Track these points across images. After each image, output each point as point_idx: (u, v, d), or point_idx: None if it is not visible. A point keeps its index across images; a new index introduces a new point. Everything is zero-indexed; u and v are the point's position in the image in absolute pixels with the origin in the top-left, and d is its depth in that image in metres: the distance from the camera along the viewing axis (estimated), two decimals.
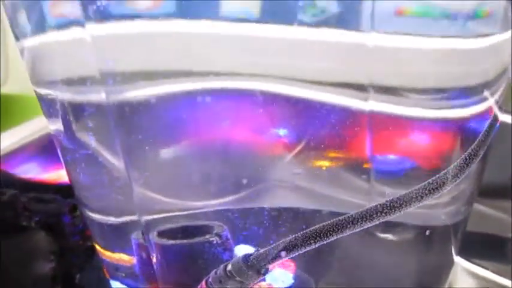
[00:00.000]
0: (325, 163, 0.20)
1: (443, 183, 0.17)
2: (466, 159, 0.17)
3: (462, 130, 0.20)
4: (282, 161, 0.19)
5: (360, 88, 0.18)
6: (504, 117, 0.28)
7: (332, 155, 0.19)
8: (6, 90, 0.35)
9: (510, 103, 0.27)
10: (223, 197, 0.20)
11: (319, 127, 0.19)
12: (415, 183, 0.19)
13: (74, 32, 0.17)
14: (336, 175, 0.20)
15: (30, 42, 0.20)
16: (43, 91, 0.20)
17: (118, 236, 0.22)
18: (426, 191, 0.17)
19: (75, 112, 0.20)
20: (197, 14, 0.17)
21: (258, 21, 0.17)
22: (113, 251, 0.23)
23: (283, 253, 0.17)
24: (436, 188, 0.17)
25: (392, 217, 0.17)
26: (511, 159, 0.29)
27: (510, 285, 0.27)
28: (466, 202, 0.22)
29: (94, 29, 0.17)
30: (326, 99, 0.18)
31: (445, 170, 0.17)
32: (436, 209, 0.21)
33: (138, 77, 0.18)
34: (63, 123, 0.20)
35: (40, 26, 0.19)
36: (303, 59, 0.18)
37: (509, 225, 0.28)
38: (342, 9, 0.17)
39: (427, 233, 0.21)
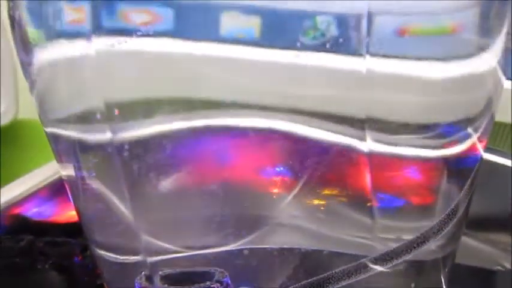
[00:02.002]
0: (325, 202, 0.20)
1: (428, 238, 0.18)
2: (448, 215, 0.18)
3: (450, 167, 0.20)
4: (283, 201, 0.20)
5: (357, 125, 0.18)
6: (489, 156, 0.29)
7: (332, 194, 0.20)
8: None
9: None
10: (226, 239, 0.20)
11: (319, 166, 0.19)
12: (411, 219, 0.20)
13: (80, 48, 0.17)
14: (337, 214, 0.20)
15: (38, 78, 0.20)
16: (51, 131, 0.21)
17: (125, 275, 0.22)
18: (414, 245, 0.18)
19: (82, 155, 0.20)
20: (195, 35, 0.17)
21: (257, 43, 0.17)
22: None
23: None
24: (423, 242, 0.18)
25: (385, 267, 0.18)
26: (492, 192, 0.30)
27: None
28: (455, 235, 0.23)
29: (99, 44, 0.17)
30: (325, 137, 0.18)
31: (429, 227, 0.18)
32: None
33: (140, 108, 0.18)
34: (72, 166, 0.21)
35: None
36: (301, 85, 0.18)
37: (498, 258, 0.30)
38: (343, 32, 0.16)
39: (415, 267, 0.22)
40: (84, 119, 0.19)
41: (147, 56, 0.17)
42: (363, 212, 0.20)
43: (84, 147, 0.20)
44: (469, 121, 0.20)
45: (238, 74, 0.17)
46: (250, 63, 0.17)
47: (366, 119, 0.18)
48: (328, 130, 0.18)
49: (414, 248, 0.18)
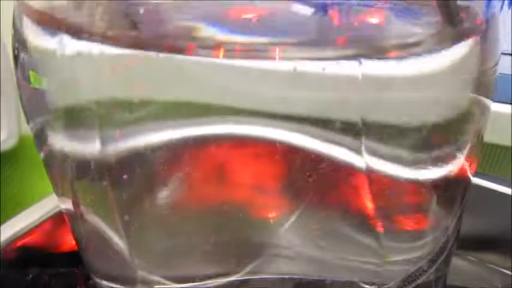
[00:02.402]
0: (325, 226, 0.20)
1: (421, 273, 0.19)
2: (437, 253, 0.19)
3: (439, 189, 0.21)
4: (283, 227, 0.20)
5: (352, 133, 0.18)
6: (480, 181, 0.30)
7: (332, 217, 0.20)
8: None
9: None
10: (224, 269, 0.20)
11: (319, 186, 0.19)
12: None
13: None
14: (338, 238, 0.20)
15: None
16: (47, 160, 0.21)
17: None
18: (408, 281, 0.19)
19: (77, 184, 0.21)
20: None
21: None
22: None
23: None
24: (416, 278, 0.19)
25: None
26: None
27: None
28: (446, 257, 0.23)
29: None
30: (321, 150, 0.18)
31: (421, 264, 0.19)
32: (419, 263, 0.22)
33: (131, 114, 0.17)
34: (68, 199, 0.21)
35: None
36: (298, 90, 0.17)
37: (491, 280, 0.30)
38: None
39: None
40: (75, 133, 0.19)
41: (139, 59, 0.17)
42: (365, 235, 0.20)
43: (78, 172, 0.20)
44: (457, 144, 0.20)
45: (233, 79, 0.17)
46: (245, 69, 0.17)
47: (361, 125, 0.18)
48: (323, 139, 0.18)
49: (412, 281, 0.19)
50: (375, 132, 0.18)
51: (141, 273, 0.20)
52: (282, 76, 0.17)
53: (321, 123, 0.17)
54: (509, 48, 0.34)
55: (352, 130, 0.18)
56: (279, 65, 0.17)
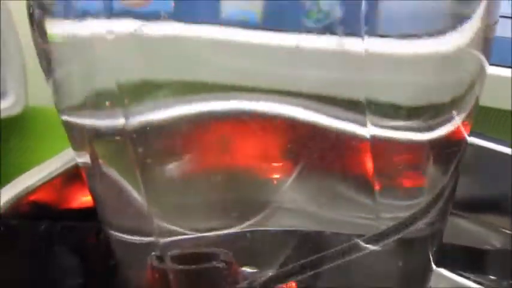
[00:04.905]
0: (326, 185, 0.21)
1: (417, 218, 0.19)
2: (435, 197, 0.20)
3: (438, 149, 0.21)
4: (284, 185, 0.21)
5: (357, 110, 0.18)
6: (480, 142, 0.31)
7: (335, 177, 0.20)
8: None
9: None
10: (230, 222, 0.21)
11: (320, 151, 0.20)
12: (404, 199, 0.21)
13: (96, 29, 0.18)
14: (338, 196, 0.21)
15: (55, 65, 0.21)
16: (67, 119, 0.22)
17: (136, 255, 0.24)
18: (402, 226, 0.20)
19: (97, 142, 0.21)
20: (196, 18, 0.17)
21: (259, 26, 0.17)
22: (132, 269, 0.25)
23: (283, 279, 0.20)
24: (411, 223, 0.20)
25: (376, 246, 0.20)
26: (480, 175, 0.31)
27: None
28: (442, 214, 0.23)
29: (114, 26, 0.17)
30: (327, 122, 0.18)
31: (416, 210, 0.19)
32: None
33: (149, 91, 0.18)
34: (87, 153, 0.22)
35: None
36: (303, 68, 0.18)
37: (488, 238, 0.31)
38: (346, 14, 0.16)
39: (404, 245, 0.23)
40: (98, 104, 0.19)
41: (156, 40, 0.17)
42: (362, 193, 0.21)
43: (98, 133, 0.21)
44: (454, 103, 0.20)
45: (241, 58, 0.18)
46: (253, 46, 0.17)
47: (365, 102, 0.18)
48: (329, 115, 0.18)
49: (404, 227, 0.19)
50: (378, 108, 0.18)
51: (156, 224, 0.21)
52: (286, 54, 0.17)
53: (323, 100, 0.18)
54: (510, 12, 0.34)
55: (355, 105, 0.18)
56: (283, 41, 0.17)
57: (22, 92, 0.33)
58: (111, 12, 0.17)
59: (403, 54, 0.18)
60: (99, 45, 0.18)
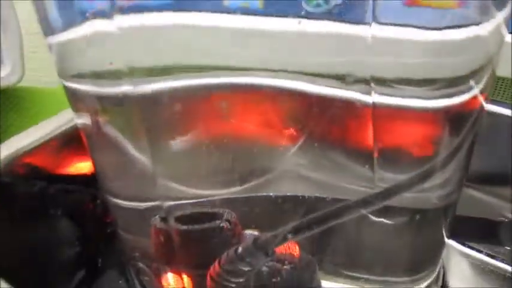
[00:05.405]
0: (329, 153, 0.21)
1: (433, 171, 0.19)
2: (453, 151, 0.19)
3: (451, 119, 0.21)
4: (288, 151, 0.21)
5: (362, 81, 0.18)
6: (496, 108, 0.30)
7: (336, 145, 0.21)
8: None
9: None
10: (235, 184, 0.21)
11: (324, 118, 0.20)
12: (412, 169, 0.20)
13: (102, 25, 0.18)
14: (340, 164, 0.21)
15: (59, 37, 0.20)
16: (71, 85, 0.21)
17: (141, 221, 0.23)
18: (418, 179, 0.19)
19: (102, 105, 0.21)
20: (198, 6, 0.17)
21: (261, 12, 0.17)
22: (135, 235, 0.24)
23: (288, 236, 0.19)
24: (427, 176, 0.19)
25: (388, 202, 0.19)
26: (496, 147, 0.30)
27: (503, 267, 0.28)
28: (455, 186, 0.23)
29: (122, 22, 0.18)
30: (331, 92, 0.19)
31: (433, 162, 0.19)
32: (428, 192, 0.22)
33: (158, 72, 0.19)
34: (90, 116, 0.21)
35: (70, 21, 0.19)
36: (304, 52, 0.18)
37: (501, 209, 0.30)
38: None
39: (417, 217, 0.23)
40: (105, 75, 0.19)
41: (160, 28, 0.18)
42: (365, 162, 0.20)
43: (104, 99, 0.20)
44: (470, 76, 0.20)
45: (246, 44, 0.18)
46: (256, 32, 0.17)
47: (370, 79, 0.18)
48: (333, 86, 0.19)
49: (415, 183, 0.18)
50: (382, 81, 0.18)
51: (160, 187, 0.21)
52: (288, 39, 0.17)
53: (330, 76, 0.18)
54: None
55: (360, 80, 0.18)
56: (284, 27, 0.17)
57: (19, 61, 0.32)
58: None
59: (413, 39, 0.18)
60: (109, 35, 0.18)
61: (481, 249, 0.29)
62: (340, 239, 0.23)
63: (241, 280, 0.20)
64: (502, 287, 0.27)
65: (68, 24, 0.19)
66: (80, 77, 0.21)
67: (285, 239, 0.19)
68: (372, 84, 0.18)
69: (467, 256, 0.29)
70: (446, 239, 0.26)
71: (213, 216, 0.21)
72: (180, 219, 0.21)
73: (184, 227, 0.21)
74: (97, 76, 0.20)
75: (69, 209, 0.24)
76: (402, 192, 0.19)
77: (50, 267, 0.23)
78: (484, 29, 0.19)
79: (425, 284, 0.26)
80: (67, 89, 0.22)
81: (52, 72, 0.22)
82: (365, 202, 0.19)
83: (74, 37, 0.20)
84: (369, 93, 0.19)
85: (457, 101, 0.20)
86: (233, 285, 0.20)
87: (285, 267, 0.22)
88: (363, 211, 0.19)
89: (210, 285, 0.21)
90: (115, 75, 0.19)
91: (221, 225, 0.21)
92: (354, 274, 0.24)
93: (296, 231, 0.19)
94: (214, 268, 0.20)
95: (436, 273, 0.27)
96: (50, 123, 0.24)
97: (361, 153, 0.21)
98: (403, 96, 0.19)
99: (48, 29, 0.21)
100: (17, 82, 0.32)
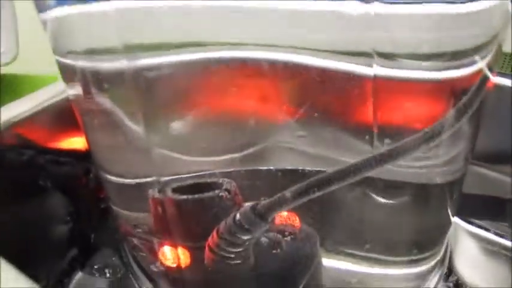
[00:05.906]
0: (328, 126, 0.20)
1: (439, 132, 0.18)
2: (457, 111, 0.18)
3: (455, 91, 0.20)
4: (287, 124, 0.20)
5: (364, 55, 0.18)
6: (505, 82, 0.29)
7: (336, 119, 0.20)
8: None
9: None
10: (233, 159, 0.21)
11: (324, 92, 0.19)
12: None
13: (98, 5, 0.18)
14: (339, 138, 0.20)
15: (54, 13, 0.20)
16: (65, 60, 0.21)
17: (136, 195, 0.23)
18: (422, 140, 0.18)
19: (98, 78, 0.20)
20: None
21: None
22: (130, 210, 0.24)
23: (288, 201, 0.18)
24: (432, 137, 0.18)
25: (391, 163, 0.18)
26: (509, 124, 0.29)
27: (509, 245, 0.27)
28: (460, 163, 0.23)
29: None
30: (332, 65, 0.18)
31: (438, 122, 0.18)
32: (433, 168, 0.22)
33: (153, 47, 0.18)
34: (84, 89, 0.21)
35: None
36: (305, 29, 0.18)
37: (509, 186, 0.29)
38: None
39: (422, 194, 0.22)
40: (101, 52, 0.19)
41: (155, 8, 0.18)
42: (365, 136, 0.20)
43: (99, 73, 0.20)
44: (475, 50, 0.19)
45: (245, 22, 0.18)
46: (256, 9, 0.17)
47: (373, 53, 0.18)
48: (336, 60, 0.18)
49: (420, 143, 0.18)
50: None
51: (157, 161, 0.21)
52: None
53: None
54: None
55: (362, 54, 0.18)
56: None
57: (13, 40, 0.31)
58: None
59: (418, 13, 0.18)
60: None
61: (489, 227, 0.28)
62: (344, 217, 0.22)
63: (240, 250, 0.19)
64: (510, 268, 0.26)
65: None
66: (75, 53, 0.20)
67: (284, 204, 0.18)
68: (375, 57, 0.18)
69: (474, 235, 0.28)
70: (452, 218, 0.25)
71: (212, 186, 0.20)
72: (178, 190, 0.21)
73: (183, 197, 0.20)
74: (92, 52, 0.20)
75: (61, 181, 0.23)
76: (405, 154, 0.18)
77: (40, 242, 0.22)
78: (489, 3, 0.18)
79: (431, 264, 0.25)
80: (60, 63, 0.21)
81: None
82: (367, 163, 0.18)
83: (68, 13, 0.19)
84: (370, 65, 0.18)
85: (461, 74, 0.20)
86: (232, 256, 0.19)
87: (285, 238, 0.21)
88: (365, 173, 0.18)
89: (209, 256, 0.20)
90: (110, 52, 0.19)
91: (220, 194, 0.20)
92: (356, 252, 0.23)
93: (295, 195, 0.18)
94: (213, 238, 0.19)
95: (442, 253, 0.26)
96: (42, 93, 0.23)
97: (361, 128, 0.20)
98: (405, 69, 0.19)
99: (42, 5, 0.20)
100: (11, 61, 0.31)
